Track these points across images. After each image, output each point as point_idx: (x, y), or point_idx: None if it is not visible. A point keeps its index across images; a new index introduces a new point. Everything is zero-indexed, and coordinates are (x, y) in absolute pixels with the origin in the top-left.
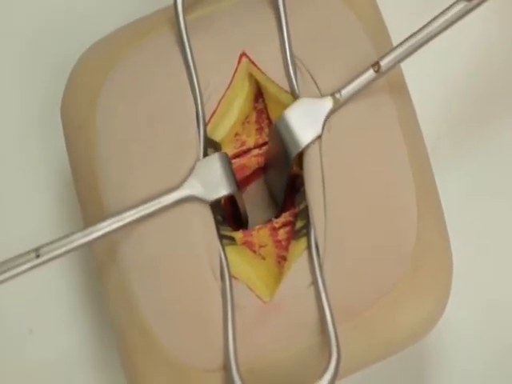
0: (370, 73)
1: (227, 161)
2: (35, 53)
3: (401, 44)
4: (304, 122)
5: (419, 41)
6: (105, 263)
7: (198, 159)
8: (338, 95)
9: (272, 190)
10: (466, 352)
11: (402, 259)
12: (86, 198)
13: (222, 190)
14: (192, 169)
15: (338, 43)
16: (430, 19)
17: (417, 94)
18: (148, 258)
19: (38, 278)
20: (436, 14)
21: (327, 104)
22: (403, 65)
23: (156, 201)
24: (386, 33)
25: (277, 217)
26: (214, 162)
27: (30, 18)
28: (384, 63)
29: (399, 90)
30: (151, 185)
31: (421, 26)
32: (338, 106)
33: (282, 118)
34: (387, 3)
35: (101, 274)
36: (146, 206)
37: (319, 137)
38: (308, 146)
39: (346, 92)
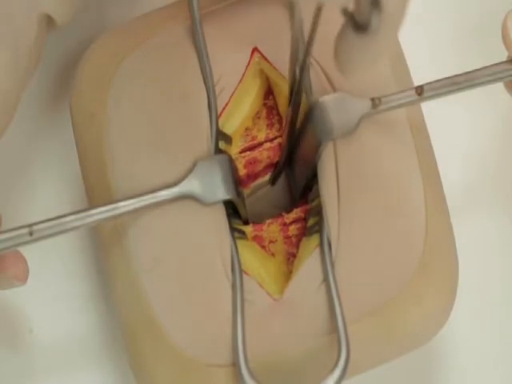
0: (412, 93)
1: (229, 165)
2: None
3: (447, 78)
4: (339, 114)
5: (465, 83)
6: (112, 257)
7: (207, 153)
8: (377, 101)
9: (292, 182)
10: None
11: (411, 259)
12: (94, 184)
13: (221, 194)
14: (193, 168)
15: None
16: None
17: None
18: (157, 251)
19: (38, 277)
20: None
21: (365, 105)
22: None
23: (152, 195)
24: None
25: (288, 212)
26: (215, 165)
27: None
28: (427, 89)
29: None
30: (161, 174)
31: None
32: (374, 112)
33: (318, 104)
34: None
35: (108, 268)
36: (142, 198)
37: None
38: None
39: (384, 101)
